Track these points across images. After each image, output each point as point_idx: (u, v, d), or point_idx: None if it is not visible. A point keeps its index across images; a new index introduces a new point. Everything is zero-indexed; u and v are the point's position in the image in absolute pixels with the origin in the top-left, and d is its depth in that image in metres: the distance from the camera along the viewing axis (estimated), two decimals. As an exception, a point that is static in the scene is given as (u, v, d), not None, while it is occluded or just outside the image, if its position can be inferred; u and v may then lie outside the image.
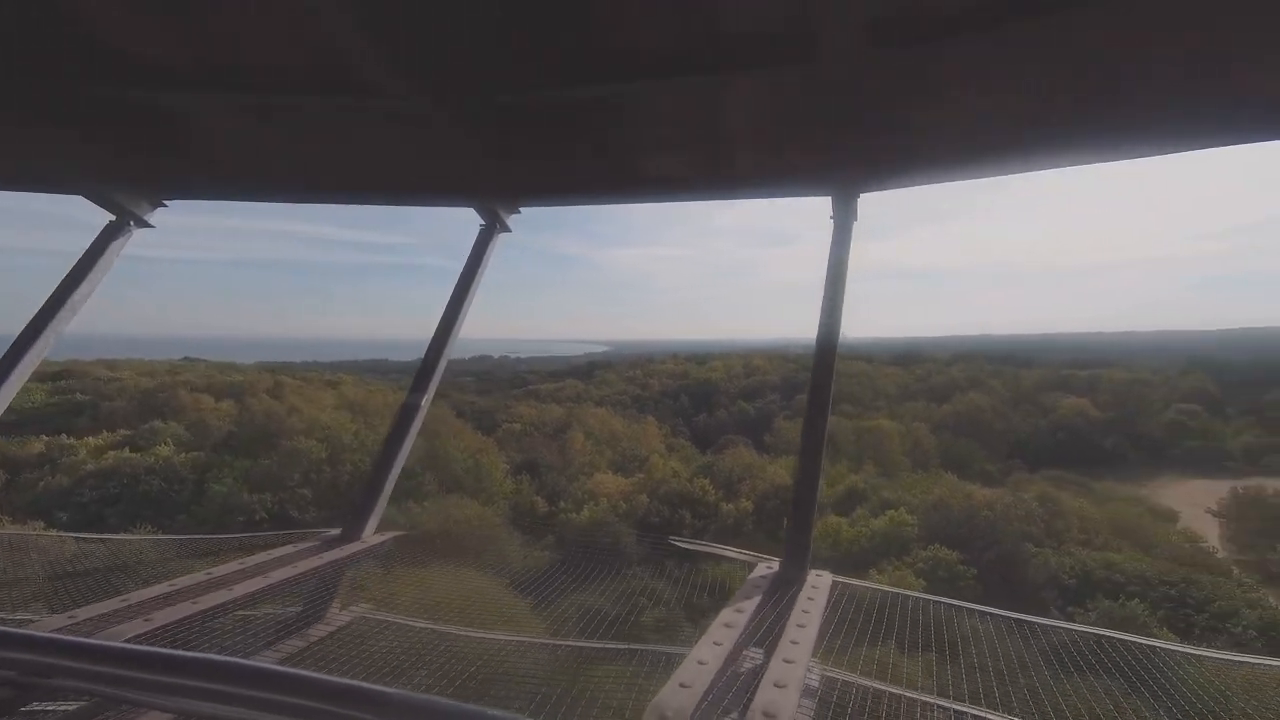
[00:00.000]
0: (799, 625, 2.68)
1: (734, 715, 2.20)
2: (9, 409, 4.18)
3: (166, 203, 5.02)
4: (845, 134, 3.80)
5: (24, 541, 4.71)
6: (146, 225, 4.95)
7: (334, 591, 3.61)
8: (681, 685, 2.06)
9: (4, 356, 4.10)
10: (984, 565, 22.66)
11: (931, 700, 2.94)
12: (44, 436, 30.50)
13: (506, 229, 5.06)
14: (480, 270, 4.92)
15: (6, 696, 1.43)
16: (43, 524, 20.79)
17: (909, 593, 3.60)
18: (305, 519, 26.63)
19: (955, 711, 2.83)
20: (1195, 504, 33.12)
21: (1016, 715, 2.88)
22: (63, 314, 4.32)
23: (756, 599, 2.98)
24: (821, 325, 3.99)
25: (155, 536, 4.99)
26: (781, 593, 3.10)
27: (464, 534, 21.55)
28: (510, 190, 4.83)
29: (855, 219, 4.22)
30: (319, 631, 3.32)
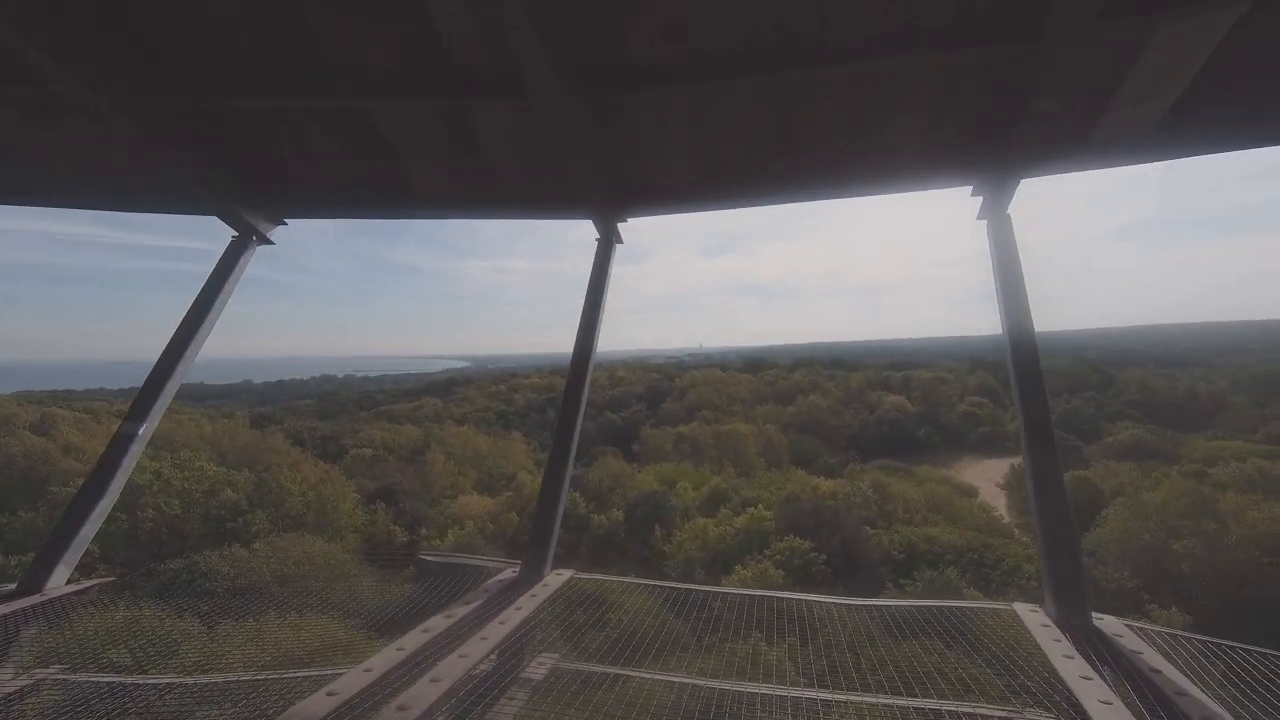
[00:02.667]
0: (500, 622, 2.64)
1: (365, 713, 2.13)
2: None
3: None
4: (605, 164, 4.13)
5: None
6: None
7: (3, 655, 3.03)
8: (328, 694, 1.99)
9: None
10: (831, 550, 24.92)
11: (670, 678, 2.96)
12: None
13: (267, 241, 4.91)
14: (227, 287, 4.65)
15: None
16: None
17: (642, 581, 3.71)
18: (88, 578, 21.71)
19: (679, 684, 2.88)
20: (988, 480, 39.63)
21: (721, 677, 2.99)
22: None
23: (476, 603, 2.92)
24: (579, 339, 4.15)
25: None
26: (508, 594, 3.07)
27: (307, 575, 19.01)
28: (270, 201, 4.70)
29: (619, 241, 4.61)
30: None
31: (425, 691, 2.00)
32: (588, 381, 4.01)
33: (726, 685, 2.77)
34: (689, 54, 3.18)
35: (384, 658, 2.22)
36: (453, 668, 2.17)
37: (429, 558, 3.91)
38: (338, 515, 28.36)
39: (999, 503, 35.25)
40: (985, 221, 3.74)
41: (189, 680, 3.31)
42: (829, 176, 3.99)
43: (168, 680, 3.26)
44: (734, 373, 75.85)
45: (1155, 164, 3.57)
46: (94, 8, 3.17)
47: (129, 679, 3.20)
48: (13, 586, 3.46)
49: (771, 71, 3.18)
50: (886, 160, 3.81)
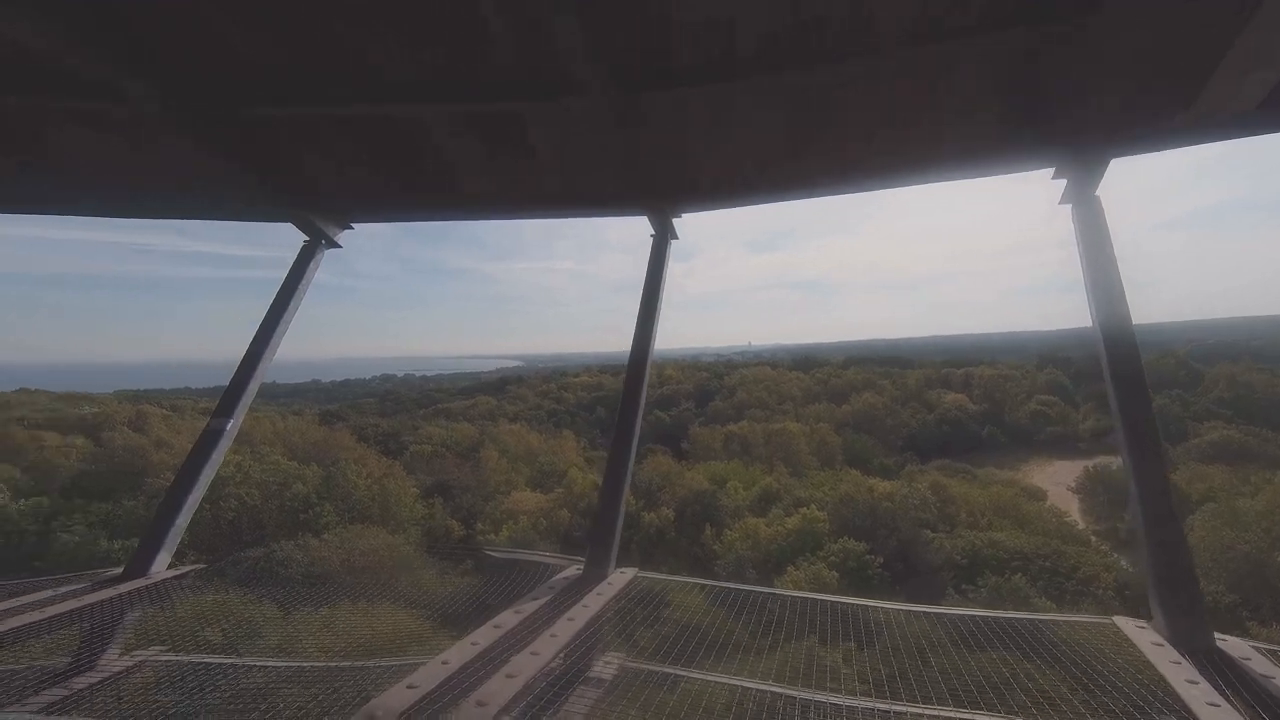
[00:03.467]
0: (569, 619, 2.66)
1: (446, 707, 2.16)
2: None
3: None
4: (658, 161, 4.14)
5: None
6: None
7: (111, 636, 3.26)
8: (409, 686, 2.02)
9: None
10: (888, 553, 24.19)
11: (734, 682, 2.94)
12: None
13: (335, 244, 5.12)
14: (300, 289, 4.89)
15: None
16: None
17: (702, 580, 3.65)
18: (182, 562, 23.54)
19: (741, 688, 2.87)
20: (1058, 483, 37.51)
21: (809, 688, 2.94)
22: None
23: (544, 599, 2.95)
24: (637, 336, 4.16)
25: None
26: (574, 591, 3.09)
27: (373, 566, 19.96)
28: (337, 207, 4.91)
29: (674, 237, 4.62)
30: (86, 680, 2.97)
31: (501, 687, 2.03)
32: (646, 378, 4.04)
33: (792, 691, 2.75)
34: (739, 47, 3.15)
35: (459, 651, 2.28)
36: (526, 664, 2.20)
37: (494, 553, 4.01)
38: (399, 508, 29.62)
39: (1070, 507, 33.32)
40: (1070, 206, 3.53)
41: (276, 664, 3.52)
42: (897, 163, 3.87)
43: (257, 663, 3.50)
44: (784, 370, 74.53)
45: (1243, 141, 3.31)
46: (159, 23, 3.30)
47: (221, 659, 3.47)
48: (120, 571, 3.77)
49: (827, 61, 3.12)
50: (960, 145, 3.67)
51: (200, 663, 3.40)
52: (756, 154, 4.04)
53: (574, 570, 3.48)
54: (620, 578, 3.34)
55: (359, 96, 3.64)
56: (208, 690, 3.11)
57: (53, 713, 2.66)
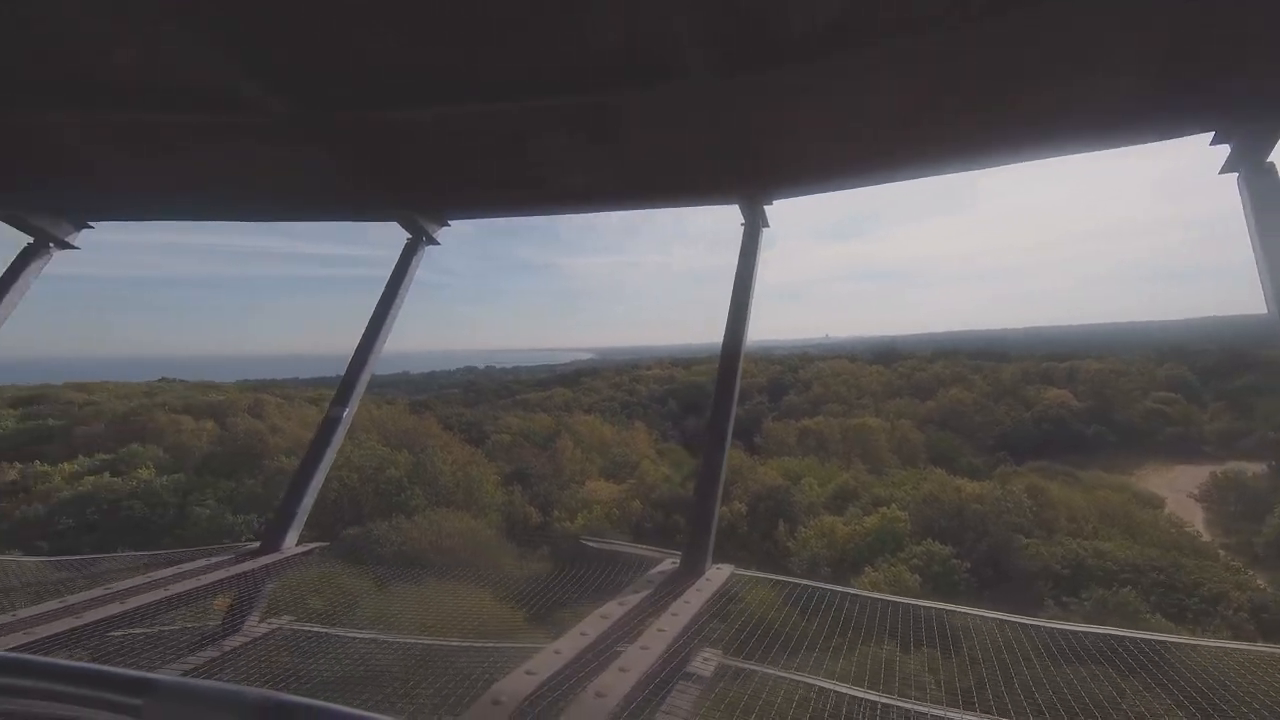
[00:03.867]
0: (673, 614, 2.65)
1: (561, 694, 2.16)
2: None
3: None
4: (752, 146, 3.93)
5: None
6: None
7: (252, 603, 3.56)
8: (527, 673, 2.06)
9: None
10: (977, 558, 22.86)
11: (823, 684, 2.87)
12: (17, 464, 29.50)
13: (434, 242, 5.22)
14: (405, 284, 5.03)
15: None
16: (19, 552, 20.04)
17: (807, 582, 3.54)
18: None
19: (849, 696, 2.81)
20: (1178, 489, 33.90)
21: (906, 698, 2.84)
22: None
23: (645, 593, 2.95)
24: (729, 327, 4.04)
25: (54, 558, 4.80)
26: (673, 586, 3.07)
27: (458, 548, 21.19)
28: (436, 202, 4.98)
29: (765, 225, 4.39)
30: (234, 642, 3.28)
31: (616, 681, 2.06)
32: (739, 371, 3.97)
33: (887, 700, 2.71)
34: (857, 12, 2.89)
35: (570, 641, 2.33)
36: (638, 659, 2.23)
37: (591, 543, 4.11)
38: (481, 494, 31.21)
39: (1193, 517, 30.02)
40: (1236, 175, 3.15)
41: (394, 639, 3.74)
42: (1025, 133, 3.53)
43: (378, 637, 3.74)
44: (863, 364, 71.56)
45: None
46: (284, 29, 3.34)
47: (345, 631, 3.73)
48: (257, 544, 4.14)
49: (929, 31, 2.84)
50: (1105, 109, 3.27)
51: (327, 634, 3.68)
52: (860, 132, 3.78)
53: (670, 565, 3.47)
54: (718, 574, 3.32)
55: (467, 96, 3.66)
56: (341, 660, 3.38)
57: (209, 670, 3.02)
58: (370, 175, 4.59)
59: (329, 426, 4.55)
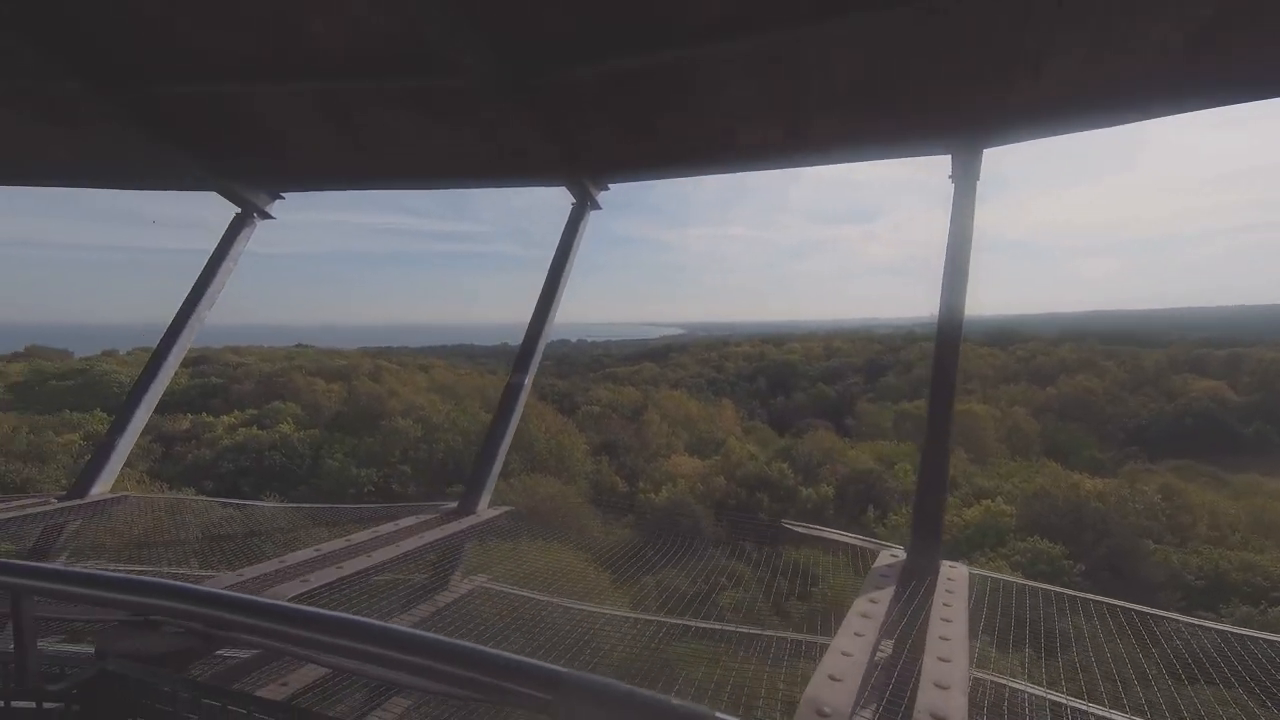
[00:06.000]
0: (944, 620, 2.42)
1: (880, 712, 2.06)
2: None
3: (284, 195, 5.37)
4: (968, 83, 3.37)
5: (181, 505, 5.19)
6: (269, 217, 5.34)
7: (456, 562, 3.74)
8: (832, 678, 1.92)
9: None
10: (1094, 560, 20.98)
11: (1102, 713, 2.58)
12: (189, 415, 34.75)
13: (597, 206, 5.07)
14: (574, 250, 4.92)
15: (198, 644, 1.67)
16: (193, 490, 23.83)
17: (1058, 589, 3.15)
18: (406, 493, 28.82)
19: None
20: (1360, 501, 28.83)
21: None
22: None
23: (889, 589, 2.73)
24: (944, 299, 3.55)
25: (292, 505, 5.42)
26: (915, 584, 2.83)
27: (550, 511, 22.51)
28: (598, 166, 4.79)
29: (979, 177, 3.70)
30: (445, 598, 3.46)
31: (937, 700, 1.89)
32: (958, 352, 3.54)
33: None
34: None
35: (850, 641, 2.17)
36: (945, 673, 2.04)
37: (795, 528, 3.86)
38: (572, 462, 32.71)
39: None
40: None
41: (607, 611, 3.68)
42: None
43: (594, 608, 3.70)
44: (974, 345, 66.29)
45: None
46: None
47: (544, 596, 3.73)
48: (454, 505, 4.19)
49: None
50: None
51: (527, 597, 3.67)
52: (1064, 73, 3.25)
53: (891, 558, 3.19)
54: (957, 574, 3.00)
55: (658, 43, 3.39)
56: (529, 622, 3.40)
57: (433, 624, 3.15)
58: (554, 143, 4.44)
59: (511, 393, 4.59)
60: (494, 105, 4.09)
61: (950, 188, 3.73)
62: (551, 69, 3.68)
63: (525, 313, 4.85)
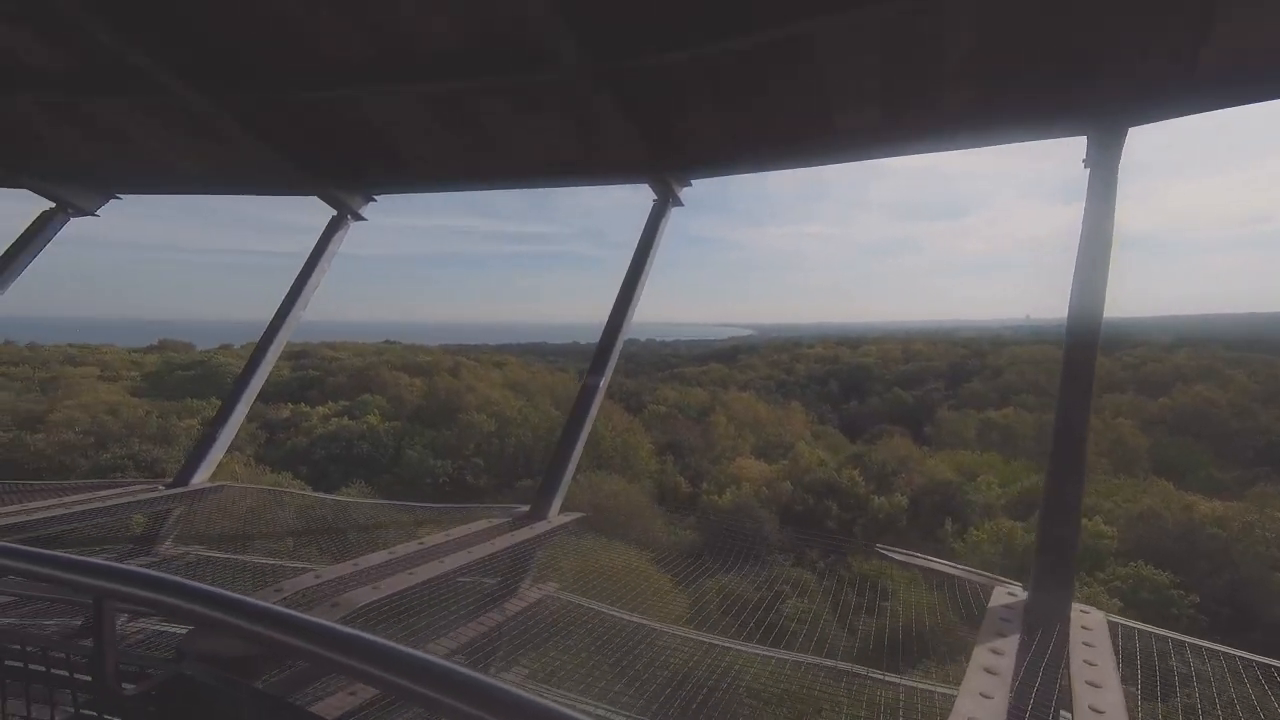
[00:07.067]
0: (1092, 685, 2.06)
1: None
2: (268, 380, 5.31)
3: (376, 198, 5.63)
4: (1112, 48, 3.03)
5: (271, 497, 5.40)
6: (361, 219, 5.59)
7: (526, 568, 3.64)
8: None
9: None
10: (1209, 592, 18.87)
11: None
12: (289, 404, 37.95)
13: (679, 203, 4.95)
14: (654, 248, 4.81)
15: (257, 657, 1.72)
16: (290, 474, 26.05)
17: (1227, 649, 2.63)
18: (479, 484, 30.17)
19: None
20: None
21: None
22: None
23: (1013, 638, 2.37)
24: (1074, 295, 3.18)
25: (372, 501, 5.73)
26: (1043, 633, 2.44)
27: (614, 509, 22.84)
28: (681, 162, 4.65)
29: (1119, 160, 3.26)
30: (514, 606, 3.36)
31: None
32: (1094, 360, 3.21)
33: None
34: None
35: (975, 703, 1.96)
36: None
37: (890, 554, 3.48)
38: (637, 461, 33.02)
39: None
40: None
41: (697, 637, 3.51)
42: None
43: (682, 632, 3.57)
44: (1072, 351, 60.90)
45: None
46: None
47: (617, 611, 3.54)
48: (526, 509, 4.09)
49: None
50: None
51: (600, 611, 3.53)
52: (1231, 38, 2.87)
53: (1009, 596, 2.77)
54: (1094, 622, 2.57)
55: (761, 22, 3.24)
56: (597, 635, 3.25)
57: (497, 634, 3.12)
58: (640, 134, 4.35)
59: (587, 395, 4.50)
60: (586, 98, 4.01)
61: (1068, 175, 3.34)
62: (648, 54, 3.55)
63: (596, 311, 4.74)
